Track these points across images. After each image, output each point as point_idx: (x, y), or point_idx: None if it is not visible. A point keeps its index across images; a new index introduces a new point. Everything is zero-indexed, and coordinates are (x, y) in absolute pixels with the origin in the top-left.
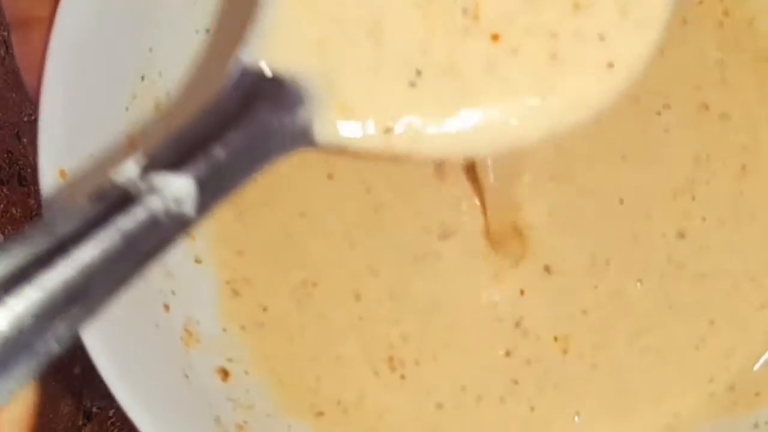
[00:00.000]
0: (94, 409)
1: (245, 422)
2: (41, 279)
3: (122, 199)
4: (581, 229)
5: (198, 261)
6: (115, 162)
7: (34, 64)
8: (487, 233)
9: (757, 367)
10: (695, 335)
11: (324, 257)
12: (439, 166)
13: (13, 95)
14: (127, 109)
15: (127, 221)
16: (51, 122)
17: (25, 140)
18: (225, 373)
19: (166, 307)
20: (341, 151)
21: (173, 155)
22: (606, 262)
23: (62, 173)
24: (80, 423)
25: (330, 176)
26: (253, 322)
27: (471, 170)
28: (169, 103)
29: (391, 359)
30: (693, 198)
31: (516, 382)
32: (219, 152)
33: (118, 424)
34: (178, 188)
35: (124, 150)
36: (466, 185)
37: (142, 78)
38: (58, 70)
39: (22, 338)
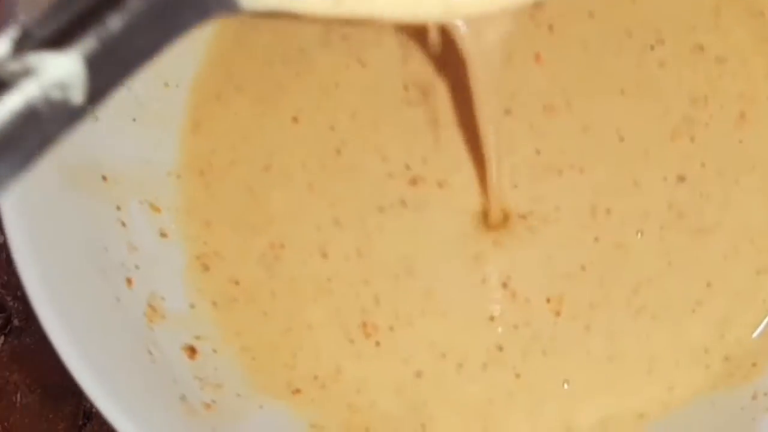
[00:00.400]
0: (94, 409)
1: (213, 401)
2: None
3: None
4: (580, 171)
5: (163, 235)
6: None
7: None
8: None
9: (755, 335)
10: (692, 297)
11: (287, 212)
12: (412, 88)
13: None
14: None
15: (4, 114)
16: None
17: None
18: (192, 351)
19: (129, 282)
20: (272, 13)
21: (54, 27)
22: (607, 210)
23: None
24: (80, 423)
25: (295, 119)
26: (225, 297)
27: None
28: None
29: (364, 325)
30: (692, 140)
31: (500, 348)
32: (114, 22)
33: None
34: (61, 69)
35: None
36: (443, 113)
37: None
38: None
39: None
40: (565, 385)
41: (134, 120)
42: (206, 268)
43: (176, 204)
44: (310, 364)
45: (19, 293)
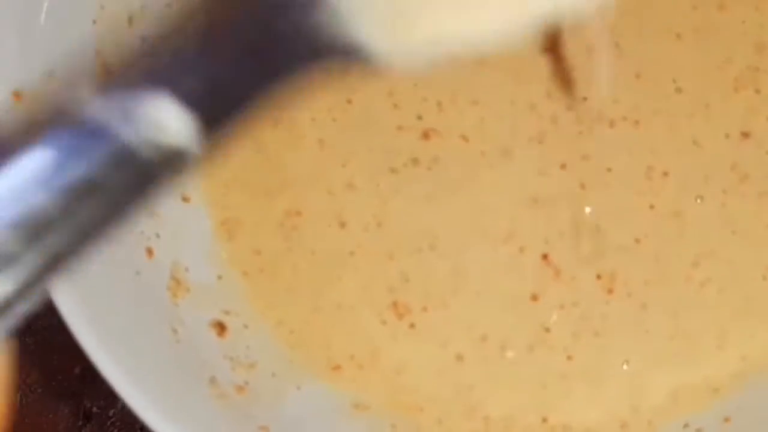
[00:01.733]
0: (94, 410)
1: (246, 383)
2: None
3: (84, 131)
4: (634, 124)
5: (185, 199)
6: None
7: None
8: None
9: None
10: (762, 263)
11: (300, 173)
12: None
13: None
14: (94, 22)
15: (96, 160)
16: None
17: None
18: (221, 327)
19: (150, 252)
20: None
21: (152, 67)
22: (663, 173)
23: (17, 95)
24: (80, 423)
25: None
26: (252, 267)
27: None
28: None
29: (395, 305)
30: (757, 92)
31: (547, 330)
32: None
33: (118, 424)
34: (162, 111)
35: (94, 70)
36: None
37: None
38: None
39: None
40: (625, 366)
41: None
42: (232, 235)
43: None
44: (345, 344)
45: None
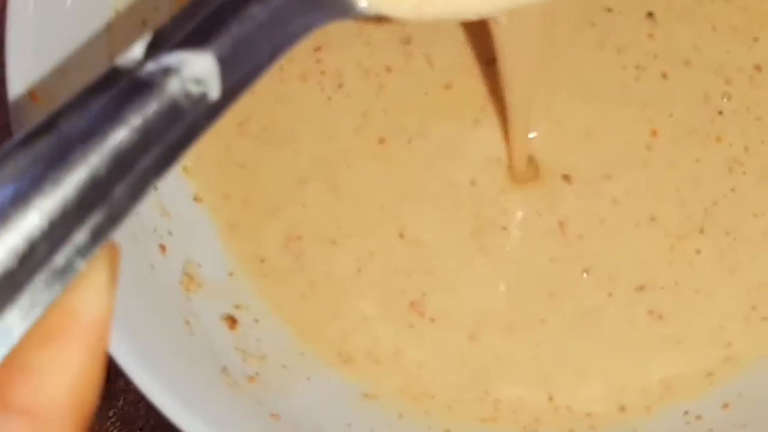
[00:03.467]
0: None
1: (257, 374)
2: (50, 187)
3: (134, 85)
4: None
5: (197, 199)
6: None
7: None
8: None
9: None
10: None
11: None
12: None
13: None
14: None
15: (144, 110)
16: (20, 36)
17: None
18: (232, 321)
19: (163, 249)
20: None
21: (188, 30)
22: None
23: (34, 96)
24: None
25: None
26: (260, 272)
27: None
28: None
29: (412, 305)
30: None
31: (543, 322)
32: (243, 24)
33: (118, 424)
34: (197, 67)
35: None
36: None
37: None
38: None
39: (37, 254)
40: (623, 352)
41: None
42: (239, 241)
43: (202, 166)
44: (365, 345)
45: None
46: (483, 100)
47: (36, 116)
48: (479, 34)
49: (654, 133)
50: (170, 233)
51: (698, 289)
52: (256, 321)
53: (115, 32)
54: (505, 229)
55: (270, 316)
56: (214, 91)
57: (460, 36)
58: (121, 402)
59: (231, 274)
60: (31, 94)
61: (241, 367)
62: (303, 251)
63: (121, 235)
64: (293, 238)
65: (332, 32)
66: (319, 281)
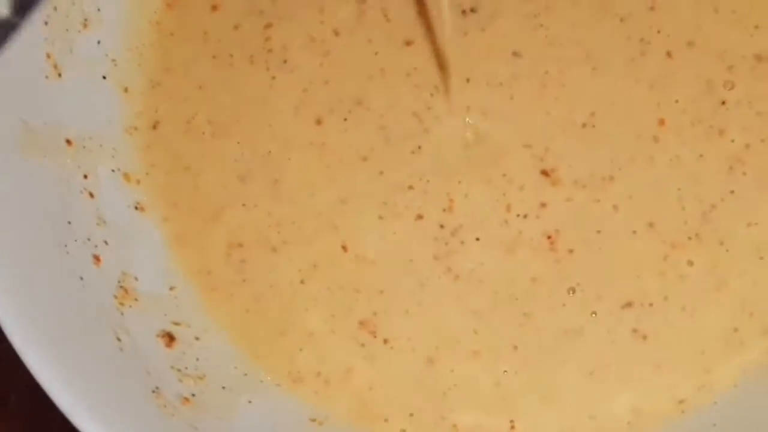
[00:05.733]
0: None
1: (193, 395)
2: None
3: None
4: None
5: (140, 208)
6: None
7: None
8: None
9: None
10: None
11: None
12: None
13: None
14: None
15: None
16: None
17: None
18: (170, 338)
19: (97, 259)
20: None
21: None
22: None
23: None
24: (72, 426)
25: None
26: (206, 285)
27: None
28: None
29: (362, 324)
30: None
31: (515, 347)
32: None
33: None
34: None
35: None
36: None
37: None
38: None
39: None
40: (587, 378)
41: (104, 77)
42: (183, 252)
43: (153, 174)
44: (313, 362)
45: None
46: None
47: None
48: None
49: (662, 122)
50: (106, 243)
51: (685, 306)
52: (197, 339)
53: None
54: (477, 240)
55: (213, 333)
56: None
57: None
58: None
59: (172, 288)
60: None
61: (176, 388)
62: (245, 260)
63: (48, 243)
64: (235, 246)
65: (283, 5)
66: (263, 294)
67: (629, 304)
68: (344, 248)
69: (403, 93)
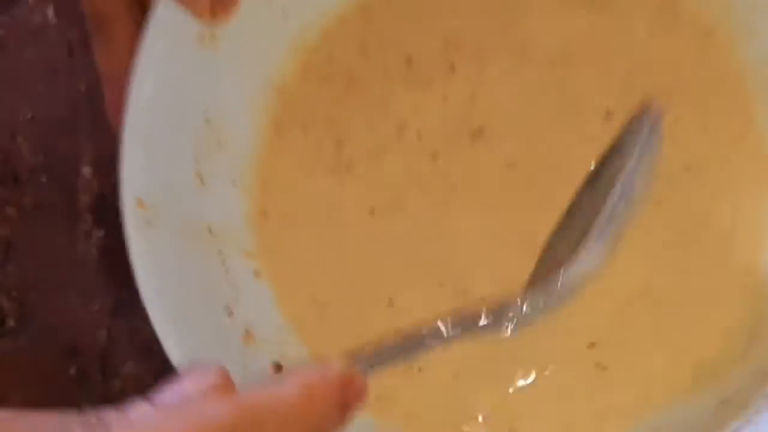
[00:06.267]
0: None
1: None
2: None
3: None
4: None
5: (257, 275)
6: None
7: (117, 102)
8: None
9: None
10: None
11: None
12: None
13: (9, 94)
14: (198, 153)
15: None
16: (131, 160)
17: (20, 139)
18: (278, 368)
19: (230, 312)
20: None
21: None
22: None
23: (140, 202)
24: None
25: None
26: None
27: None
28: (229, 142)
29: None
30: None
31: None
32: None
33: None
34: None
35: (193, 182)
36: None
37: (207, 121)
38: (136, 121)
39: None
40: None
41: (233, 181)
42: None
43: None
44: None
45: (14, 294)
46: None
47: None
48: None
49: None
50: (236, 300)
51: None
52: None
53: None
54: None
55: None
56: None
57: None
58: (116, 404)
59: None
60: (138, 201)
61: None
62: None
63: (203, 300)
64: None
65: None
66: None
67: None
68: None
69: None
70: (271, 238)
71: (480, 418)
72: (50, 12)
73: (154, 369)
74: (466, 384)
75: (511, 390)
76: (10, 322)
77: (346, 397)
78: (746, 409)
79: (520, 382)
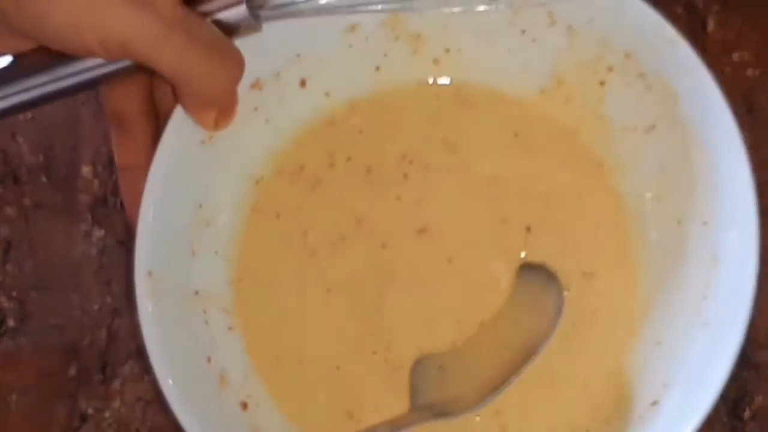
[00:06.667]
0: (90, 411)
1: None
2: None
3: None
4: None
5: (231, 329)
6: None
7: (135, 201)
8: None
9: None
10: None
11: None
12: None
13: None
14: (192, 231)
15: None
16: (143, 240)
17: (20, 139)
18: (245, 406)
19: (209, 359)
20: None
21: None
22: None
23: (150, 273)
24: (75, 425)
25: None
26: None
27: None
28: (215, 223)
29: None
30: None
31: None
32: None
33: (114, 425)
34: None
35: (186, 255)
36: None
37: (200, 206)
38: (150, 207)
39: None
40: None
41: (216, 253)
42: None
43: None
44: None
45: (14, 293)
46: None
47: (148, 286)
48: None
49: None
50: (214, 349)
51: None
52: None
53: (193, 232)
54: None
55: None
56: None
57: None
58: (117, 404)
59: (246, 376)
60: (148, 273)
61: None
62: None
63: (191, 348)
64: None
65: None
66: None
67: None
68: None
69: None
70: (245, 300)
71: None
72: None
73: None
74: None
75: None
76: (10, 322)
77: None
78: None
79: None
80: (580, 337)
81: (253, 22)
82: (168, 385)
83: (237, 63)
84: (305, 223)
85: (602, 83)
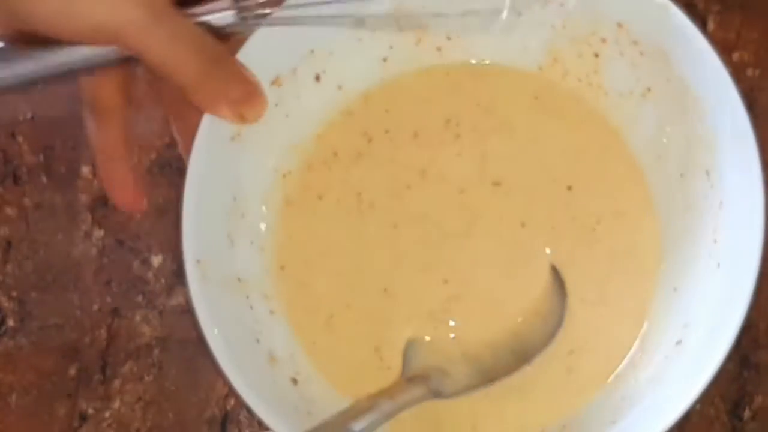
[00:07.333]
0: (90, 411)
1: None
2: None
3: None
4: None
5: (272, 313)
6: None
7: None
8: None
9: None
10: None
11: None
12: None
13: (9, 94)
14: (229, 222)
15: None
16: (188, 230)
17: (20, 139)
18: (294, 381)
19: (257, 341)
20: None
21: None
22: None
23: (198, 262)
24: (75, 425)
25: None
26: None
27: None
28: (249, 214)
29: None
30: None
31: None
32: None
33: (114, 425)
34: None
35: (225, 244)
36: None
37: (234, 199)
38: (191, 199)
39: None
40: None
41: (251, 242)
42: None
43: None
44: None
45: (14, 293)
46: None
47: (198, 273)
48: None
49: None
50: (260, 332)
51: None
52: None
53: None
54: None
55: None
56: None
57: None
58: (117, 404)
59: (292, 355)
60: (197, 261)
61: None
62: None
63: (240, 331)
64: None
65: None
66: None
67: None
68: None
69: None
70: (285, 285)
71: None
72: None
73: (154, 369)
74: None
75: None
76: (10, 322)
77: None
78: None
79: None
80: (600, 290)
81: (243, 26)
82: (226, 366)
83: (225, 64)
84: (357, 186)
85: (597, 55)
